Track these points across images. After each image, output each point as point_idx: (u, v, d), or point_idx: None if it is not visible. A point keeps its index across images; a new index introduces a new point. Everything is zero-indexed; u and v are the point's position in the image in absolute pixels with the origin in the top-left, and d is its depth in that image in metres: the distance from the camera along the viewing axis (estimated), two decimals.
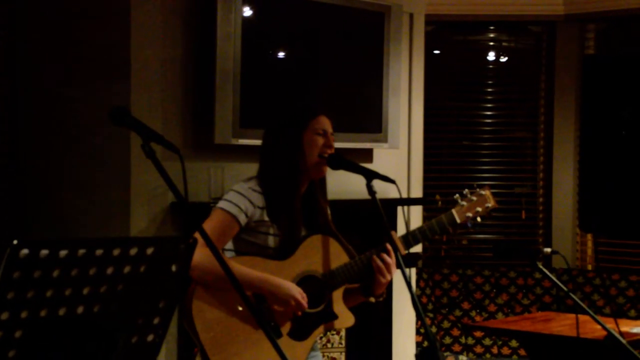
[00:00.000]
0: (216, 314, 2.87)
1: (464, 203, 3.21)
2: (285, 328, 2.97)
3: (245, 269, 2.90)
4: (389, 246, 3.02)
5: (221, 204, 2.96)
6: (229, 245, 3.00)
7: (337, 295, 3.06)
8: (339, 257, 3.05)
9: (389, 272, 3.01)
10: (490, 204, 3.27)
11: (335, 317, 3.05)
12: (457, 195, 3.23)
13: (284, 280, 2.93)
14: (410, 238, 3.11)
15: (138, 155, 4.07)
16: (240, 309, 2.87)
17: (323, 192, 3.12)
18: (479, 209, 3.23)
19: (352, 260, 3.05)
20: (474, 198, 3.24)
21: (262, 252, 2.97)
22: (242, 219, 2.94)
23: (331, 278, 3.02)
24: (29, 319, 1.82)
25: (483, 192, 3.26)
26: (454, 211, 3.20)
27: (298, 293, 2.92)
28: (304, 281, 3.00)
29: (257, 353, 2.87)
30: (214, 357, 2.86)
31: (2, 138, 4.68)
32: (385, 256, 3.00)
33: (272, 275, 2.93)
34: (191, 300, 2.87)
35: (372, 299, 3.12)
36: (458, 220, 3.20)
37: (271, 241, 2.98)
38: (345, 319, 3.08)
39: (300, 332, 3.00)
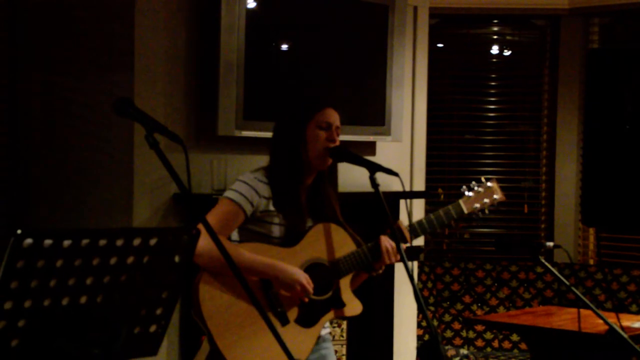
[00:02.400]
0: (223, 300, 2.88)
1: (471, 194, 3.24)
2: (293, 314, 2.97)
3: (252, 254, 2.91)
4: (388, 236, 3.04)
5: (227, 193, 2.98)
6: (235, 235, 3.02)
7: (345, 282, 3.07)
8: (346, 245, 3.07)
9: (394, 254, 3.05)
10: (498, 196, 3.30)
11: (343, 304, 3.06)
12: (465, 187, 3.26)
13: (289, 266, 2.94)
14: (417, 227, 3.13)
15: (141, 146, 4.08)
16: (246, 296, 2.87)
17: (333, 183, 3.12)
18: (486, 200, 3.27)
19: (359, 248, 3.06)
20: (481, 190, 3.27)
21: (268, 241, 2.99)
22: (248, 208, 2.95)
23: (338, 266, 3.03)
24: (33, 308, 1.83)
25: (490, 185, 3.29)
26: (461, 202, 3.23)
27: (304, 278, 2.93)
28: (311, 268, 3.01)
29: (263, 339, 2.87)
30: (220, 343, 2.87)
31: (4, 129, 4.68)
32: (390, 240, 3.04)
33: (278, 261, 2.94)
34: (198, 287, 2.88)
35: (374, 273, 3.14)
36: (465, 211, 3.22)
37: (277, 231, 2.99)
38: (353, 306, 3.09)
39: (308, 319, 3.00)
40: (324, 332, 3.13)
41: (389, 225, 2.95)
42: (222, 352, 2.87)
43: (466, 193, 3.25)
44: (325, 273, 3.03)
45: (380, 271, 3.15)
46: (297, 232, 3.01)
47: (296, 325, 2.98)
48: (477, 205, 3.26)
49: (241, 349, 2.88)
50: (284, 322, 2.94)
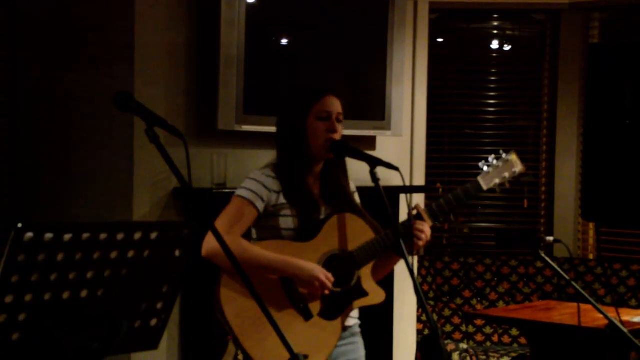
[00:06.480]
0: (244, 300, 2.86)
1: (490, 170, 3.12)
2: (316, 308, 2.96)
3: (269, 253, 2.91)
4: (417, 212, 3.02)
5: (238, 191, 2.99)
6: (253, 234, 3.02)
7: (366, 272, 3.04)
8: (365, 233, 3.03)
9: (425, 234, 3.02)
10: (518, 168, 3.15)
11: (366, 294, 3.04)
12: (483, 162, 3.13)
13: (307, 262, 2.93)
14: (436, 208, 3.09)
15: (142, 140, 4.08)
16: (267, 293, 2.85)
17: (342, 167, 3.10)
18: (506, 174, 3.14)
19: (377, 235, 3.03)
20: (500, 164, 3.13)
21: (285, 234, 2.97)
22: (259, 204, 2.95)
23: (358, 255, 3.01)
24: (33, 302, 1.83)
25: (509, 157, 3.15)
26: (479, 179, 3.11)
27: (321, 273, 2.92)
28: (330, 260, 2.99)
29: (287, 335, 2.86)
30: (245, 343, 2.87)
31: (3, 124, 4.68)
32: (419, 222, 3.02)
33: (296, 257, 2.93)
34: (219, 289, 2.88)
35: (415, 253, 3.09)
36: (484, 187, 3.11)
37: (291, 222, 2.98)
38: (376, 295, 3.06)
39: (331, 312, 2.99)
40: (352, 322, 3.11)
41: (409, 210, 2.92)
42: (249, 352, 2.87)
43: (484, 169, 3.12)
44: (344, 264, 3.01)
45: (421, 248, 3.08)
46: (312, 222, 2.99)
47: (320, 318, 2.97)
48: (497, 180, 3.12)
49: (268, 347, 2.85)
50: (307, 316, 2.94)
